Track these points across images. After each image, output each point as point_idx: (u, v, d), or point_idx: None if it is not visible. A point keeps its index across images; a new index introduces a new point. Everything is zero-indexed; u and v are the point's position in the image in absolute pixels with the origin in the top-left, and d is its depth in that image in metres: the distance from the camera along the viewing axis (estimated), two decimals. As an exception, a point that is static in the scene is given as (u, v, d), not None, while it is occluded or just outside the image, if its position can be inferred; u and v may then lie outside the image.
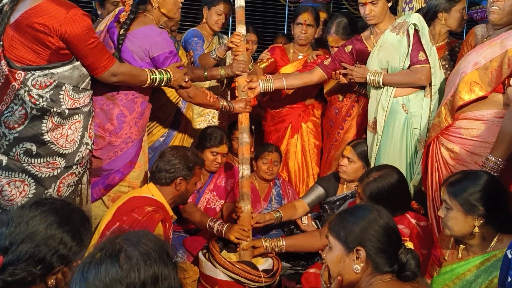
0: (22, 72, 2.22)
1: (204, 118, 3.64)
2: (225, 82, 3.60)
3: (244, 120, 2.91)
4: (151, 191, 2.51)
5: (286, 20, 6.64)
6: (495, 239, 1.93)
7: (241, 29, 2.92)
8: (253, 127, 3.48)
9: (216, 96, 2.95)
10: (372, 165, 3.02)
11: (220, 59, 3.25)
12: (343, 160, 3.07)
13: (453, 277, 1.98)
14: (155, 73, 2.58)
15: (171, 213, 2.51)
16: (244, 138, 2.86)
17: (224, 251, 2.84)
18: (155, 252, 1.08)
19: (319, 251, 2.74)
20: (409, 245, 1.64)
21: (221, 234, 2.77)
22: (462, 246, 2.03)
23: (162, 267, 1.07)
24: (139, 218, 2.26)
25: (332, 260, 1.64)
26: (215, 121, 3.68)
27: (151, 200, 2.44)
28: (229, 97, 3.78)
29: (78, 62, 2.34)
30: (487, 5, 2.51)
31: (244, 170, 2.82)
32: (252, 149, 3.58)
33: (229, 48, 3.03)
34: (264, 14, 6.48)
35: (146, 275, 1.05)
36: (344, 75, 3.20)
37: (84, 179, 2.59)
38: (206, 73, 3.11)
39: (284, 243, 2.83)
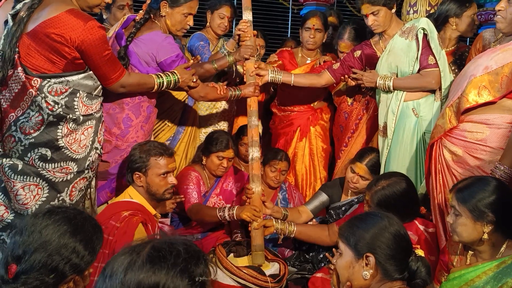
0: (38, 79, 2.23)
1: (209, 122, 3.64)
2: (235, 70, 3.58)
3: (252, 103, 2.93)
4: (130, 193, 2.49)
5: (289, 23, 6.64)
6: (504, 246, 1.92)
7: (247, 15, 2.94)
8: (260, 132, 3.47)
9: (225, 87, 2.97)
10: (382, 168, 3.02)
11: (230, 53, 3.24)
12: (356, 177, 3.03)
13: (461, 283, 1.98)
14: (162, 77, 2.60)
15: (153, 211, 2.48)
16: (253, 121, 2.88)
17: (230, 256, 2.84)
18: (167, 262, 1.07)
19: (327, 254, 2.79)
20: (420, 252, 1.63)
21: (234, 217, 2.77)
22: (470, 252, 2.02)
23: (167, 279, 1.05)
24: (117, 225, 2.24)
25: (341, 266, 1.64)
26: (221, 126, 3.68)
27: (128, 204, 2.41)
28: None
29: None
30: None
31: (253, 152, 2.83)
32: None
33: (238, 38, 3.04)
34: (267, 17, 6.47)
35: (144, 281, 1.04)
36: (354, 79, 3.21)
37: (93, 183, 2.61)
38: (215, 65, 3.11)
39: (295, 229, 2.86)
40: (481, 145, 2.40)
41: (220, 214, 2.82)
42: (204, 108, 3.57)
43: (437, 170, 2.57)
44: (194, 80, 2.72)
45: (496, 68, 2.35)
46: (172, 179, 2.51)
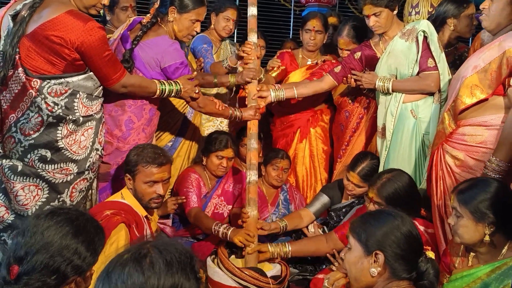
0: (38, 80, 2.24)
1: (212, 123, 3.64)
2: (233, 90, 3.60)
3: (252, 126, 2.92)
4: (123, 193, 2.47)
5: (291, 24, 6.64)
6: (506, 247, 1.92)
7: (252, 37, 2.93)
8: (261, 134, 3.47)
9: (225, 105, 2.96)
10: (381, 170, 3.01)
11: (232, 68, 3.25)
12: (350, 185, 3.05)
13: (463, 285, 1.97)
14: (165, 84, 2.60)
15: (144, 213, 2.44)
16: (252, 144, 2.87)
17: (232, 257, 2.84)
18: (179, 263, 1.08)
19: (328, 255, 2.79)
20: (430, 254, 1.62)
21: (227, 237, 2.76)
22: (472, 254, 2.02)
23: (183, 279, 1.06)
24: None
25: (350, 261, 1.65)
26: (224, 127, 3.69)
27: (115, 204, 2.38)
28: (237, 105, 3.78)
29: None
30: None
31: (251, 175, 2.82)
32: (261, 154, 3.59)
33: (241, 57, 3.03)
34: (269, 18, 6.48)
35: (165, 284, 1.05)
36: (354, 80, 3.20)
37: (94, 184, 2.61)
38: (216, 80, 3.12)
39: (290, 249, 2.83)
40: (481, 147, 2.39)
41: (215, 229, 2.81)
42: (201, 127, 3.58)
43: (438, 176, 2.56)
44: (197, 91, 2.72)
45: (484, 66, 2.37)
46: (159, 189, 2.43)
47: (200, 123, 3.56)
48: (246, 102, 3.01)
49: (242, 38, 4.58)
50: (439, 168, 2.55)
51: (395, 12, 3.08)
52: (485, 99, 2.38)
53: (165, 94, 2.63)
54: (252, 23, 2.92)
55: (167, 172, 2.48)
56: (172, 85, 2.62)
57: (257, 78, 3.01)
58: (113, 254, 2.10)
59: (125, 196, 2.45)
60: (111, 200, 2.47)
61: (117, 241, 2.16)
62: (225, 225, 2.83)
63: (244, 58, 2.97)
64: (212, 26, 3.64)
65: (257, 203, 2.86)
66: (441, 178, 2.54)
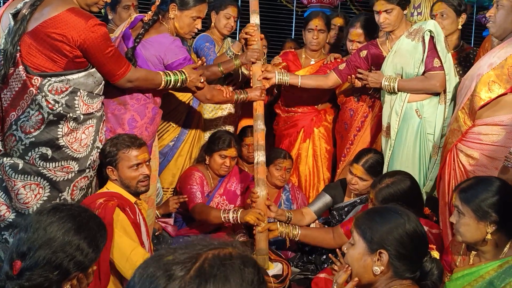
0: (39, 78, 2.25)
1: (214, 123, 3.65)
2: (241, 74, 3.56)
3: (258, 107, 2.93)
4: (108, 186, 2.48)
5: (293, 25, 6.65)
6: (508, 246, 1.92)
7: (255, 19, 2.95)
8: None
9: (231, 90, 2.97)
10: (385, 169, 3.01)
11: (236, 56, 3.24)
12: (354, 179, 3.04)
13: (464, 283, 1.97)
14: (170, 75, 2.60)
15: (133, 199, 2.45)
16: (258, 125, 2.88)
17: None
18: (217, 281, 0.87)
19: (330, 255, 2.79)
20: (435, 254, 1.61)
21: (237, 220, 2.78)
22: (473, 252, 2.01)
23: None
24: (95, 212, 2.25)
25: (353, 257, 1.63)
26: (225, 127, 3.68)
27: (104, 193, 2.41)
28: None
29: (94, 69, 2.37)
30: None
31: (259, 156, 2.83)
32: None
33: (244, 40, 3.04)
34: (271, 19, 6.48)
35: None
36: (359, 79, 3.21)
37: (94, 182, 2.61)
38: (221, 68, 3.10)
39: (299, 232, 2.85)
40: (497, 146, 2.42)
41: (224, 216, 2.83)
42: (209, 110, 3.58)
43: (451, 175, 2.59)
44: (202, 80, 2.72)
45: (500, 62, 2.43)
46: (144, 170, 2.44)
47: (202, 123, 3.57)
48: (251, 83, 3.02)
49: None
50: (452, 168, 2.58)
51: (405, 12, 3.09)
52: (503, 94, 2.43)
53: (171, 85, 2.62)
54: (254, 5, 2.94)
55: (146, 153, 2.51)
56: (178, 75, 2.61)
57: (261, 59, 3.02)
58: (115, 236, 2.08)
59: (110, 188, 2.45)
60: (98, 192, 2.48)
61: (121, 223, 2.18)
62: (233, 209, 2.86)
63: (248, 39, 2.99)
64: (213, 25, 3.64)
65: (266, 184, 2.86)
66: (454, 178, 2.57)
